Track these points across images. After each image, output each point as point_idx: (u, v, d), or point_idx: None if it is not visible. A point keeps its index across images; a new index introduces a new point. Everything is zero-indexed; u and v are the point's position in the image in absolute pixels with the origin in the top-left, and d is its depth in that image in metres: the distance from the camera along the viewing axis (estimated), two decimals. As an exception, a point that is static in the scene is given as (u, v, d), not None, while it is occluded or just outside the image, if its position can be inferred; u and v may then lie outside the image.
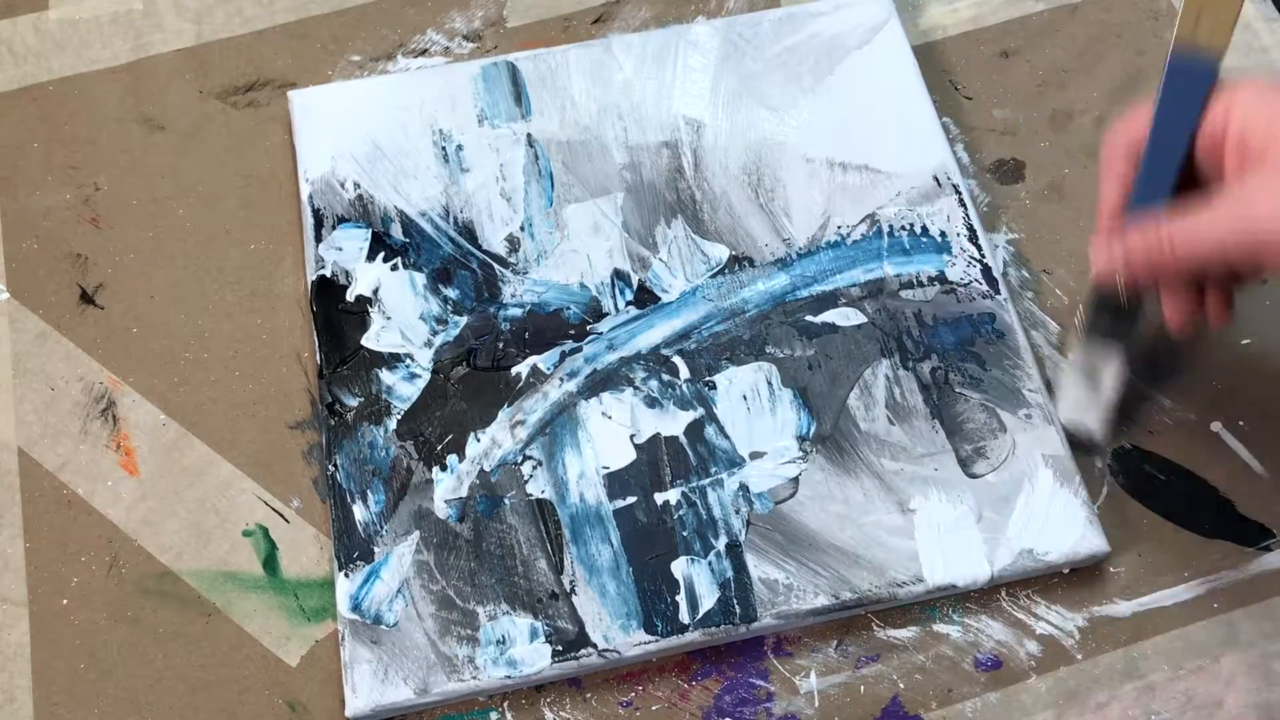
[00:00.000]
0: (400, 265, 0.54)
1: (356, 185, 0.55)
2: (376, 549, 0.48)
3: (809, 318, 0.53)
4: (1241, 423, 0.51)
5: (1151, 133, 0.41)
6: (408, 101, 0.57)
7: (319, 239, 0.54)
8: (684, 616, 0.46)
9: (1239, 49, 0.61)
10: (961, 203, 0.55)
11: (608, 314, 0.53)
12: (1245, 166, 0.38)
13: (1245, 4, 0.61)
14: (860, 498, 0.48)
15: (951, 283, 0.53)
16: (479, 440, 0.50)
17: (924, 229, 0.54)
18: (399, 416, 0.50)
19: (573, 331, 0.52)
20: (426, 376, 0.51)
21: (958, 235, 0.54)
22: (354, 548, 0.48)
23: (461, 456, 0.50)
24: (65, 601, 0.49)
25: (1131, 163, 0.42)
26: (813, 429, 0.50)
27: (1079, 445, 0.50)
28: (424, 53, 0.61)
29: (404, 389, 0.51)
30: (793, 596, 0.47)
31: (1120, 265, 0.41)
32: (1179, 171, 0.41)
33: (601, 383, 0.51)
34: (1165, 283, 0.44)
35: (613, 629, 0.46)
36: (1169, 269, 0.40)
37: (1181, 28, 0.40)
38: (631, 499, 0.49)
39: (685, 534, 0.48)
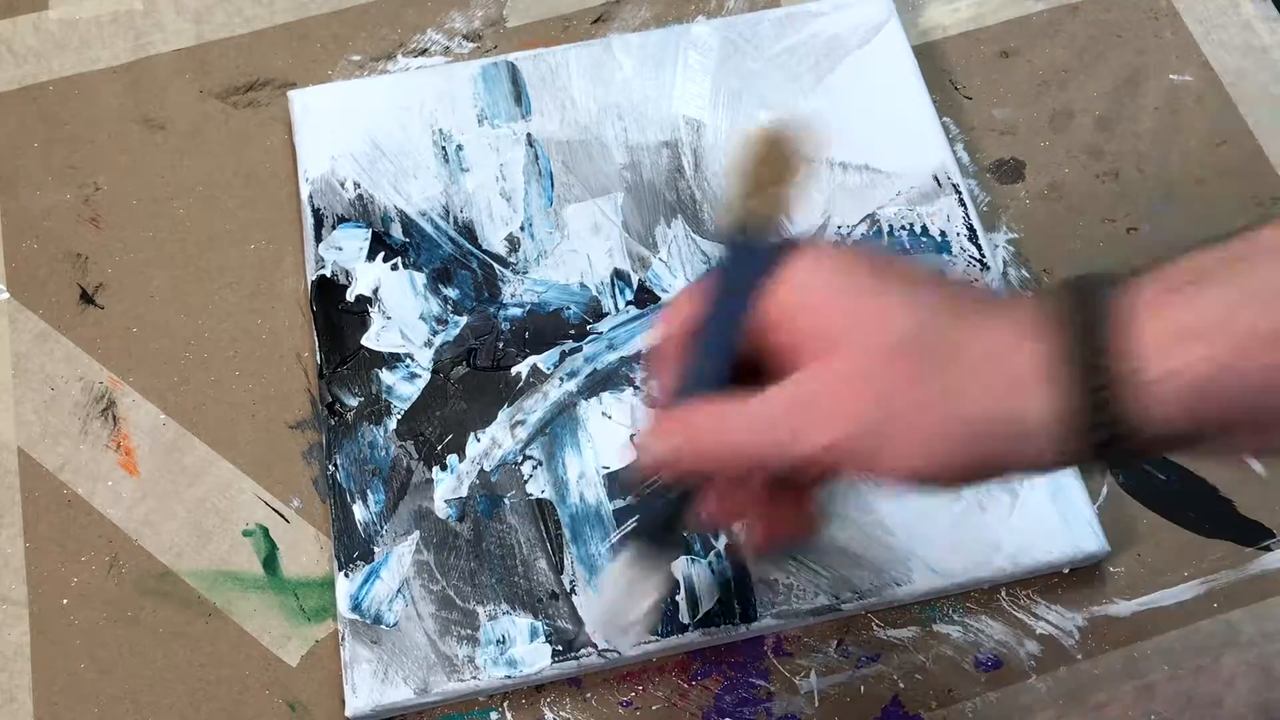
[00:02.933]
0: (400, 265, 0.54)
1: (356, 185, 0.55)
2: (376, 549, 0.48)
3: (809, 318, 0.52)
4: (1241, 422, 0.51)
5: (708, 315, 0.34)
6: (408, 101, 0.57)
7: (319, 239, 0.54)
8: (684, 616, 0.46)
9: (1239, 49, 0.61)
10: (961, 202, 0.55)
11: (608, 314, 0.53)
12: (801, 363, 0.31)
13: (1245, 4, 0.62)
14: (860, 498, 0.48)
15: (951, 283, 0.53)
16: (479, 440, 0.50)
17: (924, 229, 0.54)
18: (399, 416, 0.50)
19: (573, 331, 0.52)
20: (426, 376, 0.51)
21: (958, 235, 0.54)
22: (354, 548, 0.48)
23: (461, 456, 0.50)
24: (65, 601, 0.49)
25: (681, 351, 0.34)
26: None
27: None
28: (424, 53, 0.61)
29: (404, 389, 0.51)
30: (793, 596, 0.47)
31: (662, 458, 0.33)
32: (731, 361, 0.33)
33: (602, 382, 0.51)
34: (714, 483, 0.35)
35: (610, 632, 0.46)
36: (702, 465, 0.33)
37: (738, 207, 0.34)
38: (632, 499, 0.49)
39: (685, 534, 0.48)
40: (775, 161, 0.32)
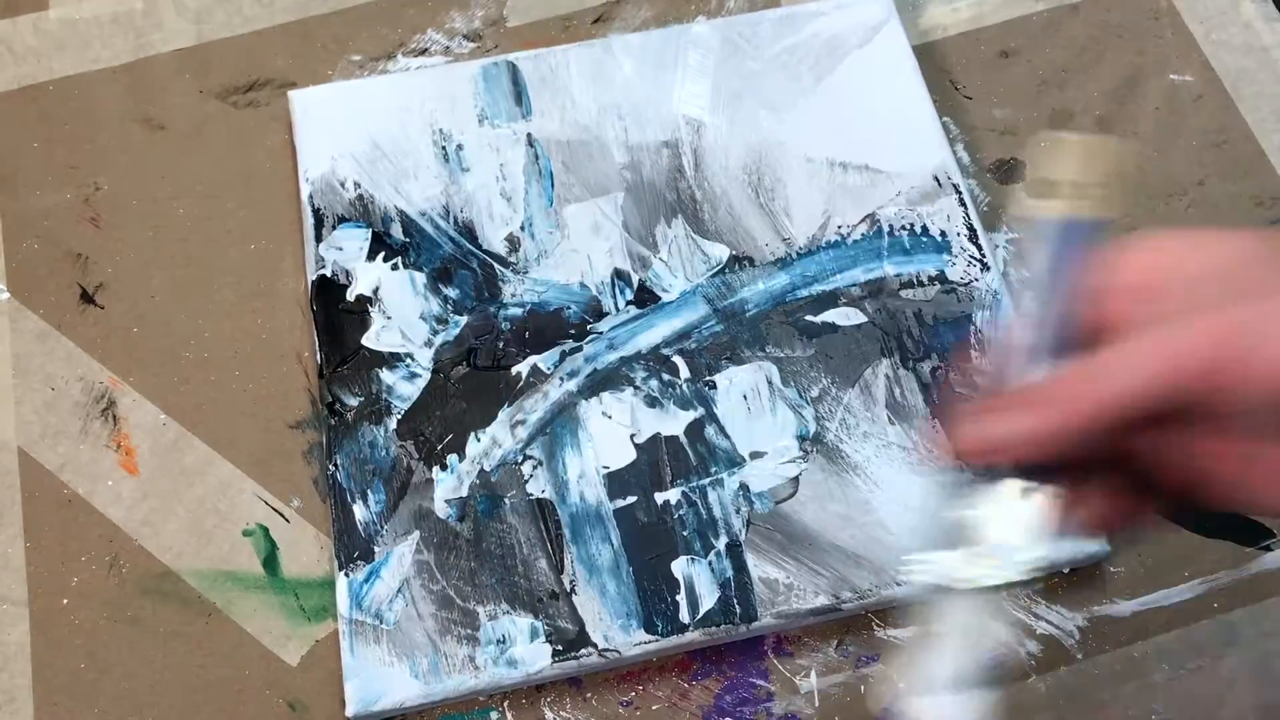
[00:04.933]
0: (400, 265, 0.54)
1: (356, 185, 0.55)
2: (377, 549, 0.48)
3: (809, 317, 0.53)
4: (1242, 422, 0.51)
5: (1036, 303, 0.32)
6: (408, 101, 0.57)
7: (319, 239, 0.54)
8: (684, 616, 0.46)
9: (1239, 49, 0.61)
10: (961, 202, 0.55)
11: (608, 313, 0.53)
12: (1147, 320, 0.30)
13: (1245, 4, 0.62)
14: (860, 498, 0.48)
15: (952, 282, 0.53)
16: (479, 440, 0.50)
17: (924, 229, 0.54)
18: (399, 416, 0.50)
19: (573, 331, 0.52)
20: (426, 376, 0.51)
21: (958, 235, 0.54)
22: (354, 547, 0.48)
23: (462, 456, 0.50)
24: (65, 601, 0.49)
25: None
26: (813, 429, 0.50)
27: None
28: (424, 52, 0.61)
29: (404, 389, 0.51)
30: (793, 596, 0.47)
31: (1021, 442, 0.31)
32: (1067, 343, 0.32)
33: (602, 382, 0.51)
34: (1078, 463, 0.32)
35: (613, 629, 0.46)
36: (1078, 434, 0.30)
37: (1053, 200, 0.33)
38: (632, 499, 0.49)
39: (685, 534, 0.48)
40: (1095, 166, 0.33)
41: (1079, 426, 0.30)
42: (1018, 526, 0.33)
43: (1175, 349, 0.29)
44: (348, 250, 0.54)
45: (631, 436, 0.50)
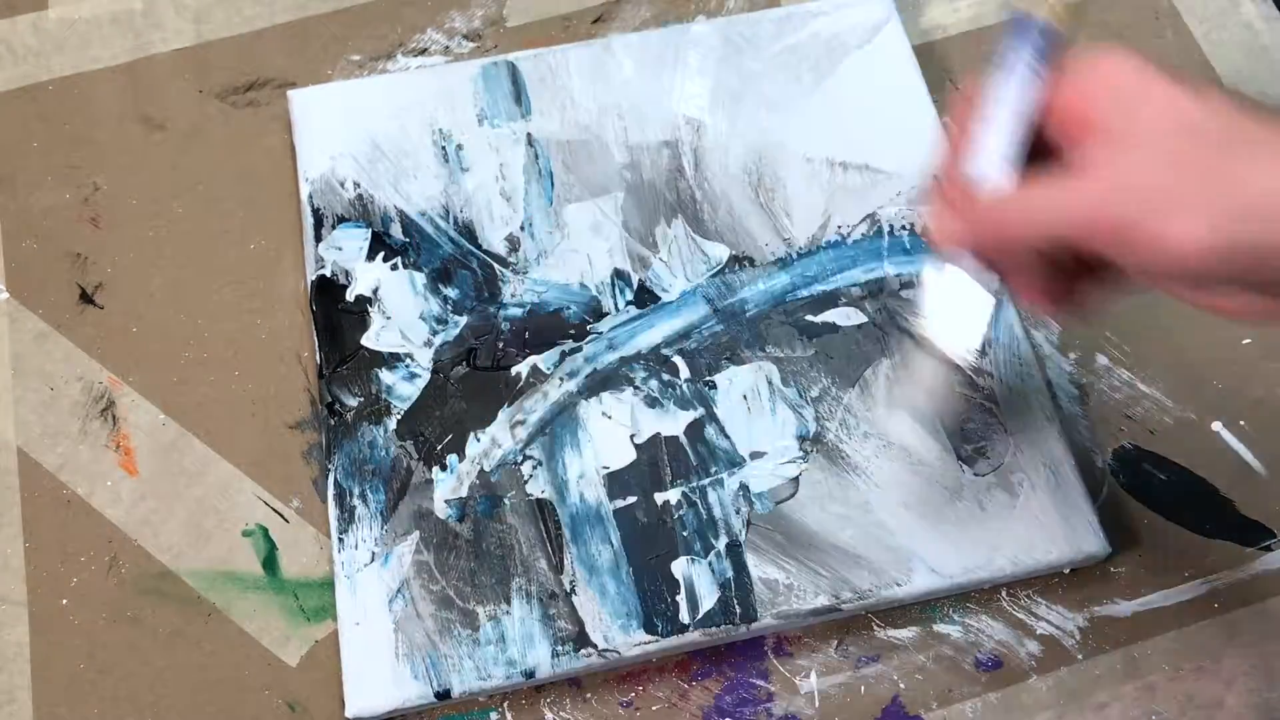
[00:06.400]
0: (400, 265, 0.54)
1: (356, 185, 0.55)
2: (376, 549, 0.48)
3: (809, 317, 0.52)
4: (1242, 423, 0.51)
5: (994, 96, 0.36)
6: (407, 101, 0.57)
7: (319, 239, 0.54)
8: (684, 616, 0.46)
9: (1239, 49, 0.61)
10: (962, 202, 0.55)
11: (608, 314, 0.53)
12: (1092, 141, 0.34)
13: (1245, 4, 0.62)
14: (860, 498, 0.48)
15: (952, 282, 0.53)
16: (479, 440, 0.50)
17: (925, 229, 0.54)
18: (399, 416, 0.50)
19: (573, 331, 0.52)
20: (426, 376, 0.51)
21: (958, 235, 0.54)
22: (353, 548, 0.48)
23: (461, 456, 0.50)
24: (65, 601, 0.49)
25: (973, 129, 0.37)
26: (813, 429, 0.50)
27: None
28: (424, 52, 0.61)
29: (404, 389, 0.51)
30: (793, 596, 0.47)
31: (956, 240, 0.37)
32: (1024, 141, 0.36)
33: (602, 382, 0.51)
34: (1009, 262, 0.37)
35: (613, 629, 0.46)
36: (1003, 249, 0.36)
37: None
38: (631, 499, 0.48)
39: (685, 534, 0.48)
40: None
41: (992, 247, 0.36)
42: (958, 306, 0.39)
43: (1075, 209, 0.33)
44: (347, 250, 0.54)
45: (631, 437, 0.50)
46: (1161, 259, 0.32)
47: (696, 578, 0.47)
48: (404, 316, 0.52)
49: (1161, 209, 0.32)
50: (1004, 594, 0.49)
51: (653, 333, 0.52)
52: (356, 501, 0.49)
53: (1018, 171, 0.36)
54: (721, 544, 0.48)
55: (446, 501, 0.49)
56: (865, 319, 0.52)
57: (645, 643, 0.46)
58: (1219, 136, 0.32)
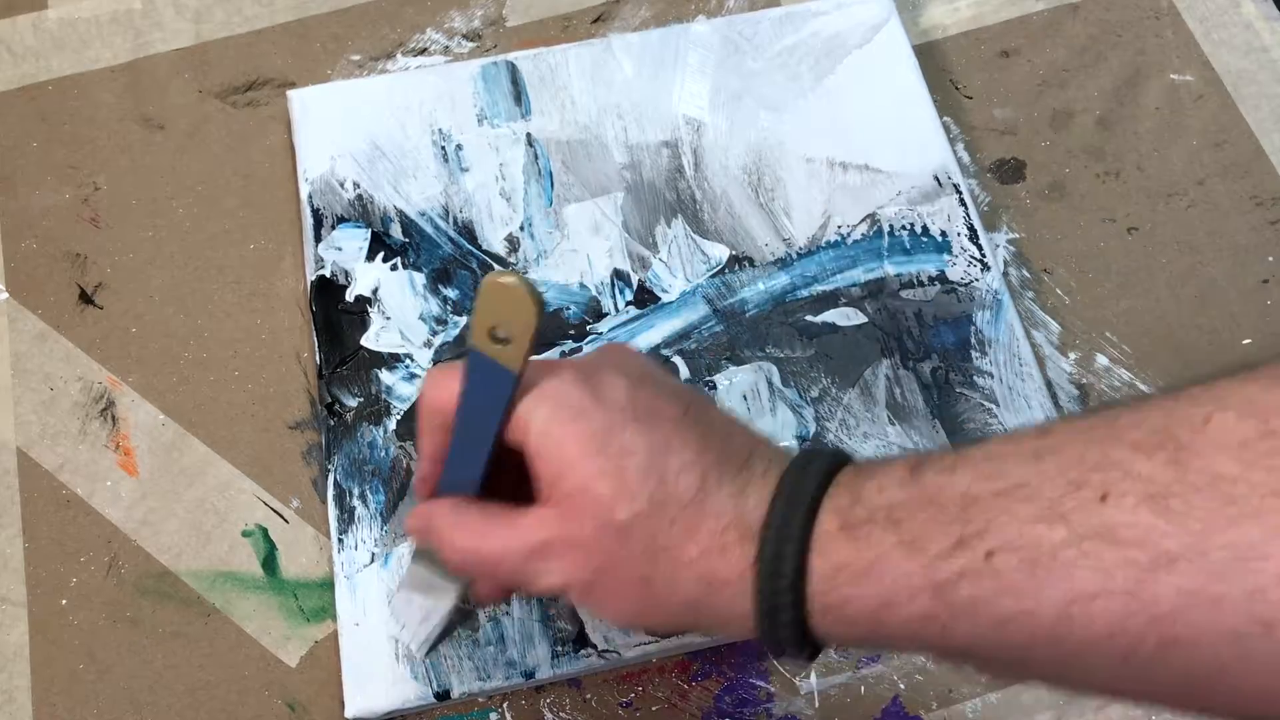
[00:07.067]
0: (400, 265, 0.54)
1: (356, 185, 0.55)
2: (376, 549, 0.48)
3: (809, 317, 0.52)
4: (1242, 423, 0.51)
5: (458, 415, 0.36)
6: (407, 101, 0.57)
7: (319, 239, 0.54)
8: (684, 617, 0.46)
9: (1239, 49, 0.61)
10: (962, 202, 0.55)
11: (607, 314, 0.53)
12: (540, 483, 0.34)
13: (1245, 4, 0.62)
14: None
15: (952, 282, 0.53)
16: (479, 440, 0.50)
17: (924, 229, 0.54)
18: (399, 416, 0.50)
19: (573, 331, 0.52)
20: (426, 376, 0.51)
21: (958, 235, 0.54)
22: (353, 548, 0.48)
23: (461, 456, 0.49)
24: (65, 601, 0.49)
25: (445, 433, 0.36)
26: (813, 429, 0.50)
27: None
28: (423, 52, 0.61)
29: (404, 389, 0.51)
30: (793, 597, 0.47)
31: (411, 533, 0.40)
32: (487, 461, 0.36)
33: (601, 383, 0.51)
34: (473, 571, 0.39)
35: (612, 629, 0.46)
36: (463, 566, 0.37)
37: (474, 336, 0.34)
38: (631, 499, 0.48)
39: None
40: (505, 309, 0.33)
41: (454, 563, 0.37)
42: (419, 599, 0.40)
43: (519, 549, 0.34)
44: (347, 250, 0.54)
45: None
46: (599, 612, 0.35)
47: (696, 578, 0.47)
48: (404, 317, 0.52)
49: (596, 601, 0.34)
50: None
51: (652, 333, 0.52)
52: (356, 502, 0.49)
53: (481, 485, 0.36)
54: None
55: (446, 502, 0.49)
56: (865, 319, 0.52)
57: (645, 643, 0.46)
58: (648, 543, 0.33)
